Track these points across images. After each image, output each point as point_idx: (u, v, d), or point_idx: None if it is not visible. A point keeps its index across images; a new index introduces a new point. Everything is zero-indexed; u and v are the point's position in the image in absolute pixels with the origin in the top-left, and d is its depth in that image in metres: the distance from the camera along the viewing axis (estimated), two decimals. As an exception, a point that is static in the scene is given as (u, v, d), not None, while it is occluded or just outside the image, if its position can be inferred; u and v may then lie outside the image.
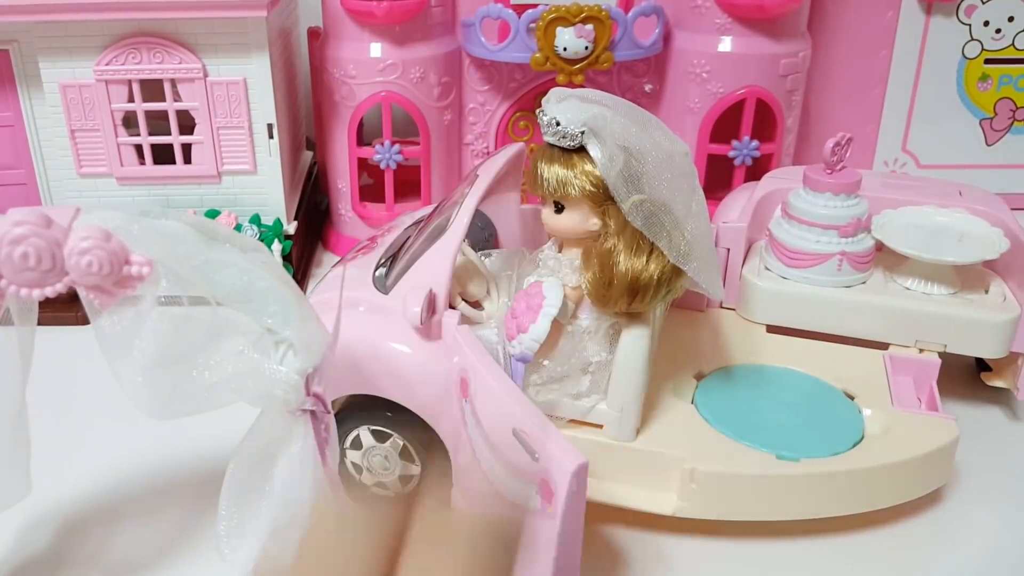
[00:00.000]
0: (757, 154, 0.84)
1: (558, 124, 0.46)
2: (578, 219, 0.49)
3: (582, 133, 0.46)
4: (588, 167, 0.47)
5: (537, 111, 0.49)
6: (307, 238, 0.90)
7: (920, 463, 0.53)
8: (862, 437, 0.53)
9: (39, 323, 0.42)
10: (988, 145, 0.93)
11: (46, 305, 0.41)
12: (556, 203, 0.49)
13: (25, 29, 0.74)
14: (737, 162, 0.84)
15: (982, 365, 0.66)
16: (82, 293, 0.38)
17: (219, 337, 0.41)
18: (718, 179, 0.85)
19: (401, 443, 0.52)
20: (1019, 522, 0.56)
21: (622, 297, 0.48)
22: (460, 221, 0.51)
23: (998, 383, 0.64)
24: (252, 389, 0.41)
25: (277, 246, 0.80)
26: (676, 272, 0.48)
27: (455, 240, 0.51)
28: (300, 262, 0.85)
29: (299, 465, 0.44)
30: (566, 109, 0.47)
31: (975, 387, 0.66)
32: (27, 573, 0.51)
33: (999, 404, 0.66)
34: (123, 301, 0.39)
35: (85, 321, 0.40)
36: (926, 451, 0.53)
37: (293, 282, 0.43)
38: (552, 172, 0.48)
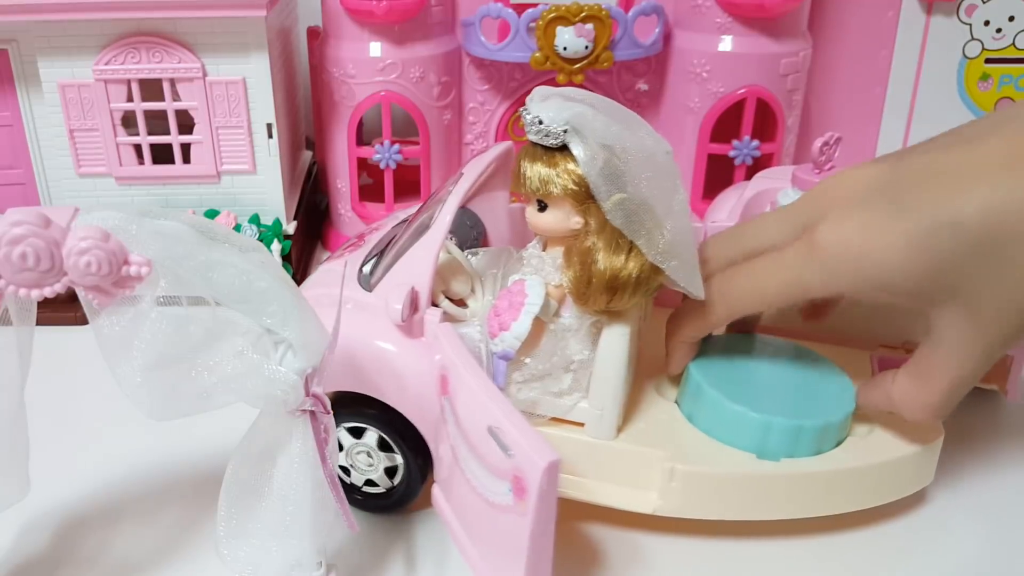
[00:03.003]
0: (758, 154, 0.84)
1: (541, 122, 0.47)
2: (561, 217, 0.49)
3: (564, 131, 0.46)
4: (571, 166, 0.47)
5: (520, 109, 0.49)
6: (306, 238, 0.90)
7: (903, 464, 0.53)
8: (855, 407, 0.53)
9: (38, 323, 0.42)
10: (988, 145, 0.93)
11: (45, 305, 0.41)
12: (539, 201, 0.49)
13: (24, 28, 0.73)
14: (737, 162, 0.84)
15: None
16: (81, 293, 0.38)
17: (218, 338, 0.41)
18: (718, 179, 0.85)
19: (376, 434, 0.52)
20: (1001, 525, 0.55)
21: (601, 295, 0.48)
22: (443, 219, 0.52)
23: (986, 386, 0.64)
24: (251, 389, 0.41)
25: (276, 246, 0.80)
26: (655, 270, 0.48)
27: (437, 238, 0.51)
28: (299, 262, 0.85)
29: (298, 465, 0.44)
30: (549, 107, 0.47)
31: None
32: (27, 573, 0.51)
33: (988, 407, 0.66)
34: (122, 301, 0.39)
35: (84, 321, 0.40)
36: (908, 452, 0.52)
37: (292, 282, 0.43)
38: (535, 171, 0.48)
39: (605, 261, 0.47)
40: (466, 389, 0.45)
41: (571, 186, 0.47)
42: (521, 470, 0.40)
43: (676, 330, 0.55)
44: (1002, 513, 0.56)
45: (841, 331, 0.61)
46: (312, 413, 0.43)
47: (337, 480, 0.45)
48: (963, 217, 0.45)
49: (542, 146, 0.48)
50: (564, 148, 0.47)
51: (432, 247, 0.51)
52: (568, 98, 0.48)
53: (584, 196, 0.47)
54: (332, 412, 0.43)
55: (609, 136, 0.46)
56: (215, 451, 0.58)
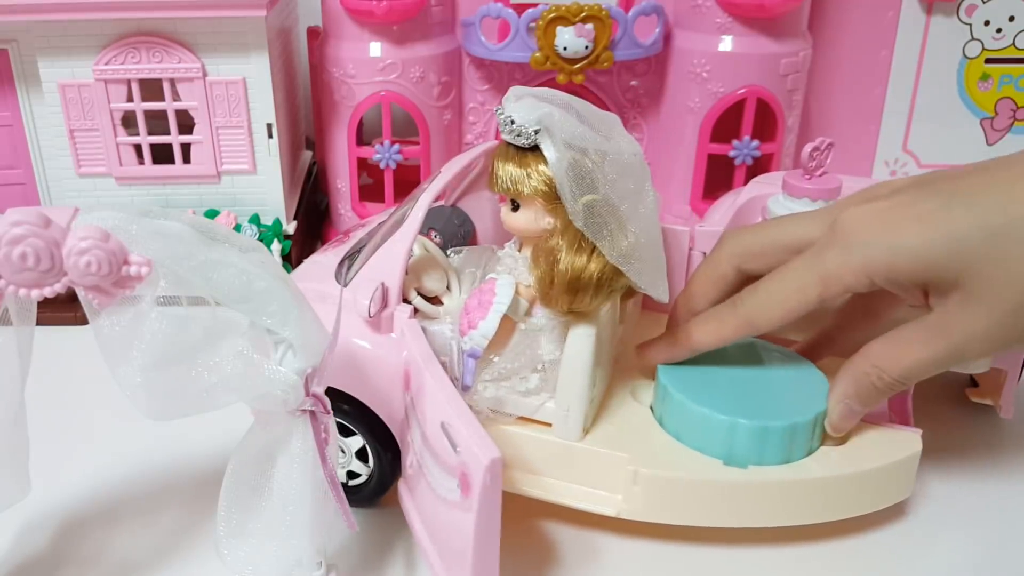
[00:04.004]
0: (758, 154, 0.84)
1: (512, 122, 0.47)
2: (532, 217, 0.49)
3: (536, 132, 0.46)
4: (542, 167, 0.47)
5: (495, 108, 0.49)
6: (306, 238, 0.90)
7: (876, 476, 0.51)
8: (824, 409, 0.52)
9: (38, 323, 0.42)
10: (989, 145, 0.93)
11: (45, 305, 0.41)
12: (513, 201, 0.49)
13: (24, 28, 0.74)
14: (737, 162, 0.84)
15: (974, 380, 0.65)
16: (81, 293, 0.38)
17: (218, 337, 0.41)
18: (718, 179, 0.85)
19: (334, 421, 0.52)
20: (991, 540, 0.54)
21: (563, 295, 0.48)
22: (414, 216, 0.52)
23: (982, 400, 0.63)
24: (251, 389, 0.41)
25: (276, 246, 0.80)
26: (617, 272, 0.48)
27: (408, 235, 0.51)
28: (299, 262, 0.85)
29: (298, 465, 0.44)
30: (521, 107, 0.47)
31: (965, 404, 0.65)
32: (27, 573, 0.51)
33: (981, 421, 0.65)
34: (122, 301, 0.39)
35: (84, 321, 0.40)
36: (882, 464, 0.51)
37: (292, 282, 0.43)
38: (506, 171, 0.48)
39: (567, 261, 0.47)
40: (424, 385, 0.45)
41: (541, 187, 0.47)
42: (467, 466, 0.40)
43: (684, 337, 0.54)
44: (994, 529, 0.55)
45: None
46: (312, 413, 0.43)
47: (337, 480, 0.45)
48: (984, 200, 0.45)
49: (515, 146, 0.48)
50: (536, 149, 0.47)
51: (403, 244, 0.51)
52: (541, 98, 0.48)
53: (554, 196, 0.47)
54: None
55: (578, 137, 0.47)
56: (215, 451, 0.58)
